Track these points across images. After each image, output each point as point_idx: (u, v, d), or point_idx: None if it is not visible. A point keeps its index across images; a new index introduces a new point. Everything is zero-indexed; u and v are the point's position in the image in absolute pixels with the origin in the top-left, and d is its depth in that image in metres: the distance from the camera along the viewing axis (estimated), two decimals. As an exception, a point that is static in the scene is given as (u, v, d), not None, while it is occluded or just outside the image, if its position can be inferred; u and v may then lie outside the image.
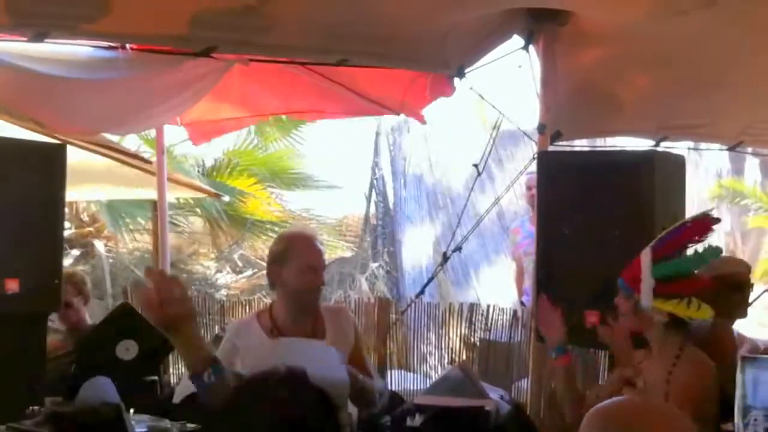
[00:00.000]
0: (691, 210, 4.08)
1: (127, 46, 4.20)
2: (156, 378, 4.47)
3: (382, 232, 10.31)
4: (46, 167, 4.07)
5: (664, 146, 5.25)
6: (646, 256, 3.18)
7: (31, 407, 3.25)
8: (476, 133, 10.16)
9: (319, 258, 3.52)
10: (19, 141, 4.41)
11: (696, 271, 3.21)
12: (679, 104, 5.04)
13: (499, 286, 9.32)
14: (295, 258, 3.47)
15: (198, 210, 10.30)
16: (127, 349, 4.37)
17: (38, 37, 3.68)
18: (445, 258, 5.50)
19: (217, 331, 5.57)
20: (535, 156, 4.54)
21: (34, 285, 4.02)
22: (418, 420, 3.62)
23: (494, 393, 3.87)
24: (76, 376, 4.47)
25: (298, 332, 3.48)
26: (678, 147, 5.63)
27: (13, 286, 3.98)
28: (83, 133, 4.76)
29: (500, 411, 3.72)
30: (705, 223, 3.25)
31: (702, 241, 3.24)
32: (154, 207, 6.00)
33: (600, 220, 3.96)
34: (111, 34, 3.94)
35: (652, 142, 5.28)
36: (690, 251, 3.32)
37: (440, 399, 3.74)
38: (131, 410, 3.83)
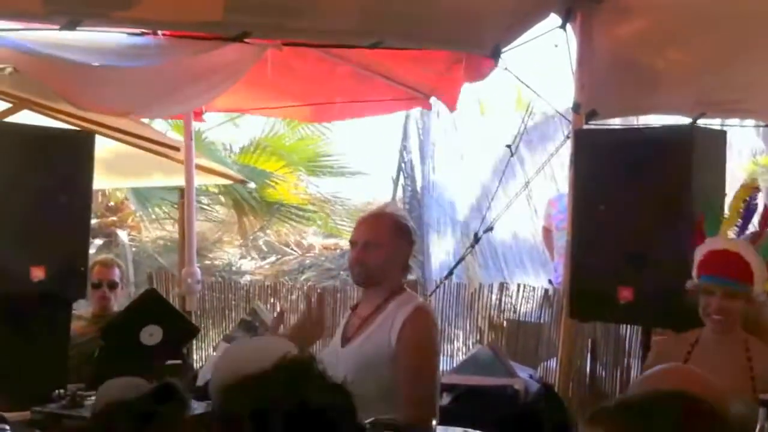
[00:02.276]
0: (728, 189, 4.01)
1: (159, 32, 4.17)
2: (180, 362, 4.45)
3: (409, 215, 10.23)
4: (74, 155, 4.07)
5: (702, 123, 5.17)
6: (747, 248, 3.19)
7: (56, 392, 3.27)
8: (508, 115, 10.08)
9: (358, 233, 3.41)
10: (48, 129, 4.42)
11: None
12: (716, 80, 4.94)
13: (527, 268, 9.25)
14: None
15: (222, 198, 10.34)
16: (151, 335, 4.34)
17: (70, 24, 3.66)
18: (477, 239, 5.45)
19: (243, 316, 5.56)
20: (568, 136, 4.49)
21: (60, 272, 4.02)
22: (446, 399, 3.58)
23: (523, 372, 3.84)
24: (100, 361, 4.47)
25: (363, 311, 3.39)
26: (714, 125, 5.54)
27: (39, 273, 3.99)
28: (112, 113, 4.73)
29: (529, 390, 3.68)
30: None
31: None
32: (182, 194, 5.92)
33: (637, 197, 3.92)
34: (144, 21, 3.91)
35: (690, 120, 5.20)
36: None
37: (469, 378, 3.70)
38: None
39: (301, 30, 4.18)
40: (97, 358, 4.50)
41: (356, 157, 10.88)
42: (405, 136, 10.12)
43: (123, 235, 10.24)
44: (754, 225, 3.39)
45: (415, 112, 9.93)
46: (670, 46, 4.75)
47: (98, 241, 10.10)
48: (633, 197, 3.89)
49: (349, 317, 3.46)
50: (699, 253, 3.26)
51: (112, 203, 10.61)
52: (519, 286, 6.78)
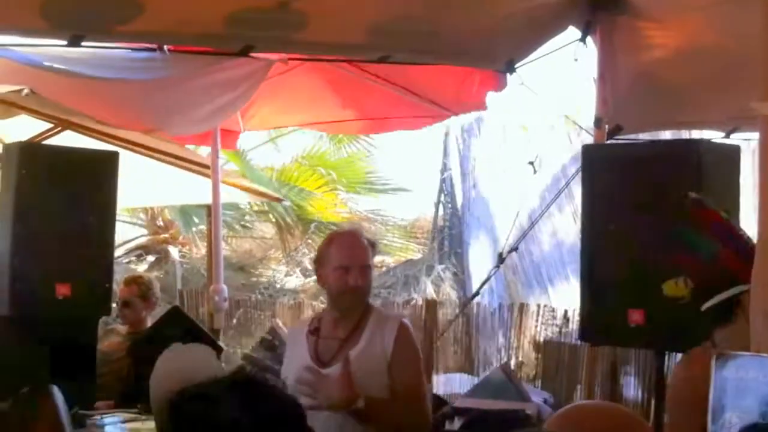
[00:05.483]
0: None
1: (165, 47, 4.17)
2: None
3: (449, 233, 10.23)
4: (98, 174, 4.13)
5: (736, 137, 5.01)
6: None
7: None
8: (554, 129, 9.98)
9: (354, 258, 3.28)
10: (73, 149, 4.48)
11: None
12: (748, 92, 4.80)
13: (572, 290, 9.15)
14: (332, 258, 3.30)
15: (271, 215, 10.45)
16: (175, 351, 4.42)
17: (75, 39, 3.70)
18: (501, 259, 5.38)
19: (263, 334, 5.60)
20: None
21: (85, 290, 4.06)
22: (456, 423, 3.54)
23: (537, 396, 3.79)
24: (130, 378, 4.57)
25: (336, 335, 3.33)
26: (754, 139, 5.38)
27: (64, 290, 4.04)
28: (135, 129, 4.79)
29: (542, 414, 3.64)
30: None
31: None
32: (209, 211, 5.96)
33: (645, 215, 3.79)
34: (146, 34, 3.91)
35: (722, 134, 5.06)
36: None
37: (480, 402, 3.67)
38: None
39: (306, 43, 4.13)
40: (127, 377, 4.60)
41: (399, 174, 10.88)
42: (445, 154, 10.09)
43: (174, 251, 10.41)
44: None
45: (456, 128, 9.91)
46: (698, 58, 4.62)
47: (150, 258, 10.29)
48: (641, 214, 3.73)
49: (314, 341, 3.36)
50: None
51: (163, 219, 10.78)
52: (538, 306, 6.68)
